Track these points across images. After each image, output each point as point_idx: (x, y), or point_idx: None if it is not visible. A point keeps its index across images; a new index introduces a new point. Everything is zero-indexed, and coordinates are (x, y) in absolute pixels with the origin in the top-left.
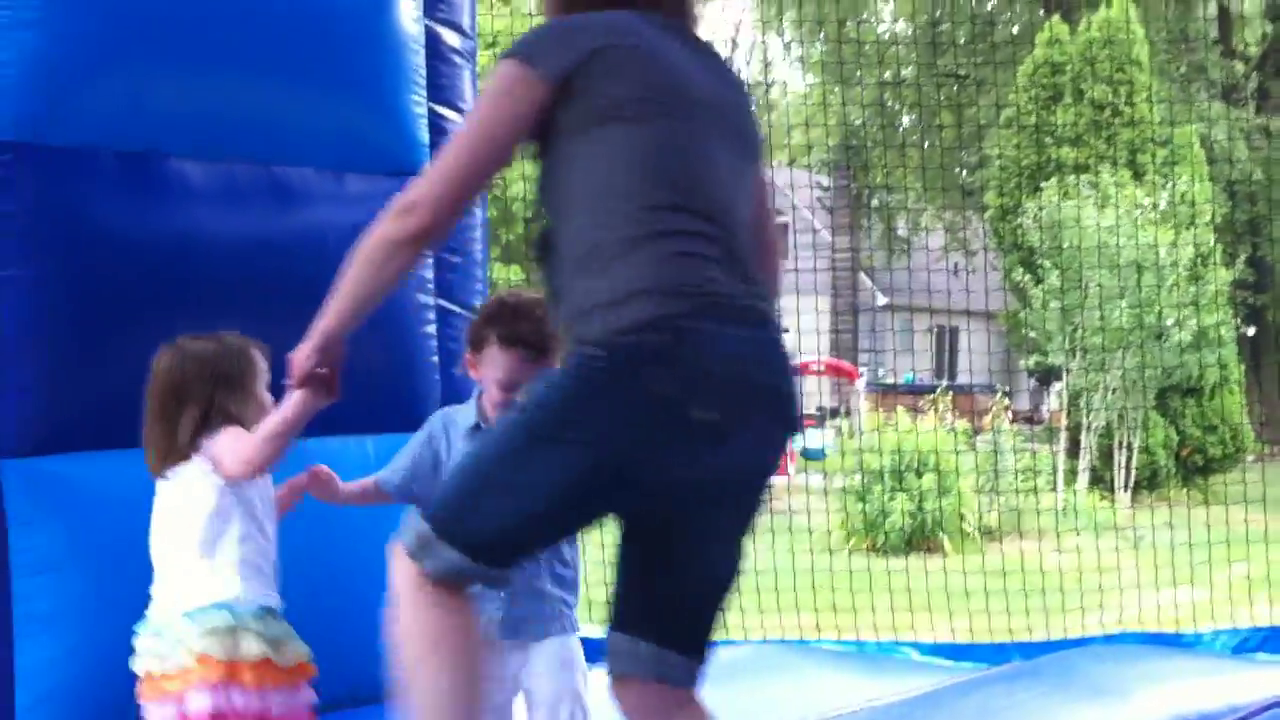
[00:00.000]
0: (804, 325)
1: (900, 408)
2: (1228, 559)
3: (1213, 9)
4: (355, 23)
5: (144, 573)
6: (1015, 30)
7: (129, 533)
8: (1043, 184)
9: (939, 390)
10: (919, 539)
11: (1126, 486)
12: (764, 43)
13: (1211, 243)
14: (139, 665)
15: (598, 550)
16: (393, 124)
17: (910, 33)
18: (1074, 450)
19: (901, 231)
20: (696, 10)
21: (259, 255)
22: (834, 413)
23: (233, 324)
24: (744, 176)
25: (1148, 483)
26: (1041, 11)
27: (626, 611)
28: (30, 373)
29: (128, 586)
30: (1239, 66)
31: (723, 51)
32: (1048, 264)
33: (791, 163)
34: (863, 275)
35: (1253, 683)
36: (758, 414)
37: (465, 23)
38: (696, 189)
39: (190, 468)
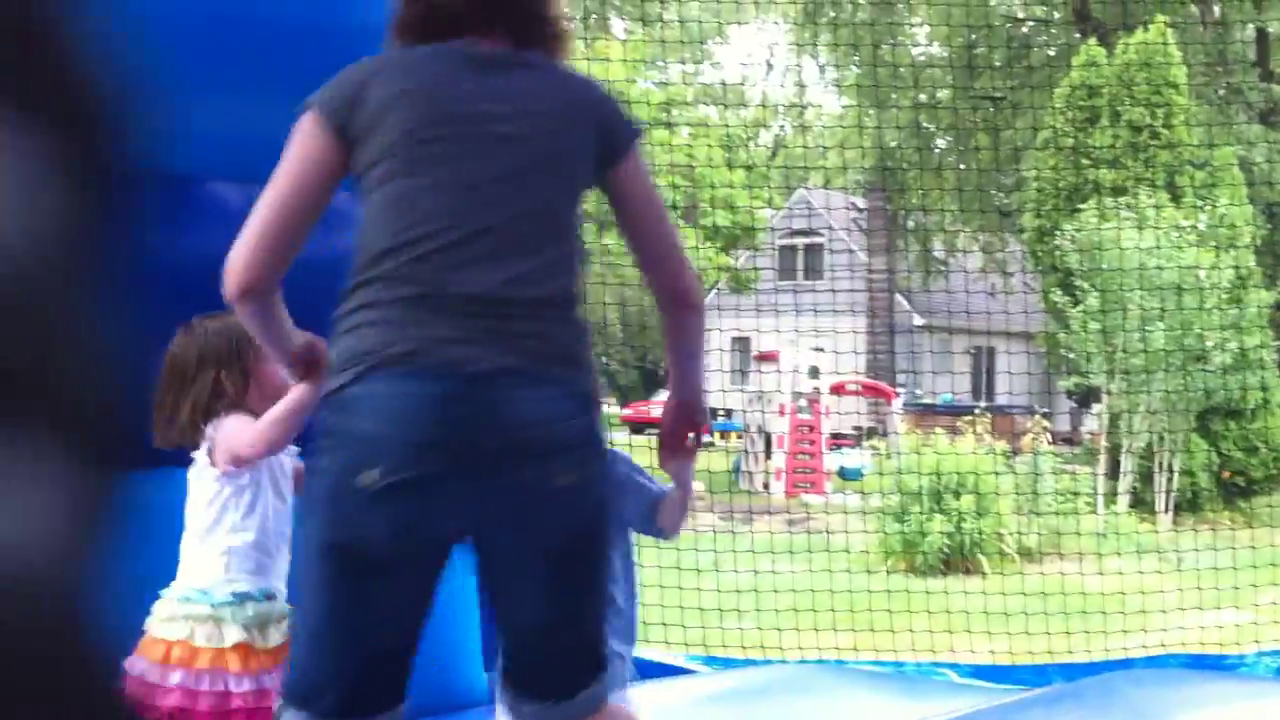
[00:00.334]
0: (841, 345)
1: (938, 428)
2: (1271, 580)
3: (1250, 31)
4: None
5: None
6: (1051, 52)
7: (164, 553)
8: (1080, 206)
9: (977, 411)
10: (957, 559)
11: (1167, 508)
12: (799, 65)
13: (1251, 264)
14: (147, 623)
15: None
16: None
17: (945, 55)
18: (1114, 471)
19: (938, 253)
20: (546, 29)
21: (297, 277)
22: (871, 433)
23: None
24: (550, 208)
25: (1189, 504)
26: (1078, 34)
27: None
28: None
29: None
30: (1277, 89)
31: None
32: (1086, 285)
33: (827, 184)
34: (899, 296)
35: None
36: (436, 463)
37: None
38: (422, 229)
39: (200, 454)
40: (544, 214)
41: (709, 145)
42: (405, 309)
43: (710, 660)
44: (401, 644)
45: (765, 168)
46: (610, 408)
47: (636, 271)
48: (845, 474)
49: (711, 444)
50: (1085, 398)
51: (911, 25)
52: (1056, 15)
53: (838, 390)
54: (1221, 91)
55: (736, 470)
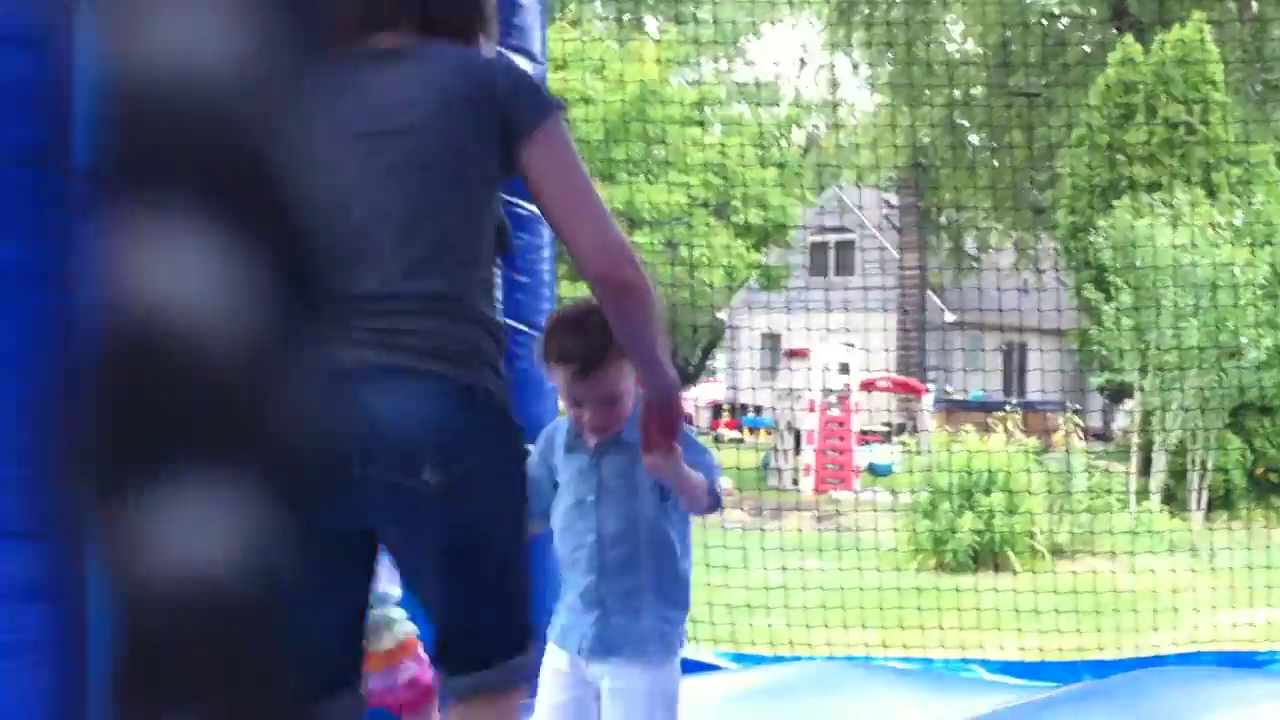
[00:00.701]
0: (871, 342)
1: (968, 425)
2: None
3: None
4: None
5: None
6: (1087, 49)
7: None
8: (1115, 202)
9: (1008, 407)
10: (987, 556)
11: (1200, 505)
12: (832, 63)
13: None
14: None
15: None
16: None
17: (980, 52)
18: (1146, 468)
19: (970, 249)
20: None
21: None
22: (901, 429)
23: None
24: (431, 205)
25: (1222, 502)
26: (1114, 30)
27: None
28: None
29: None
30: None
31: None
32: (1119, 281)
33: (859, 181)
34: (930, 292)
35: None
36: (338, 461)
37: (536, 48)
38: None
39: None
40: (421, 212)
41: (741, 143)
42: None
43: (739, 657)
44: (335, 624)
45: (798, 165)
46: None
47: (666, 269)
48: (875, 470)
49: (741, 440)
50: (1117, 394)
51: (946, 22)
52: (1093, 11)
53: (868, 387)
54: (1259, 88)
55: (766, 466)
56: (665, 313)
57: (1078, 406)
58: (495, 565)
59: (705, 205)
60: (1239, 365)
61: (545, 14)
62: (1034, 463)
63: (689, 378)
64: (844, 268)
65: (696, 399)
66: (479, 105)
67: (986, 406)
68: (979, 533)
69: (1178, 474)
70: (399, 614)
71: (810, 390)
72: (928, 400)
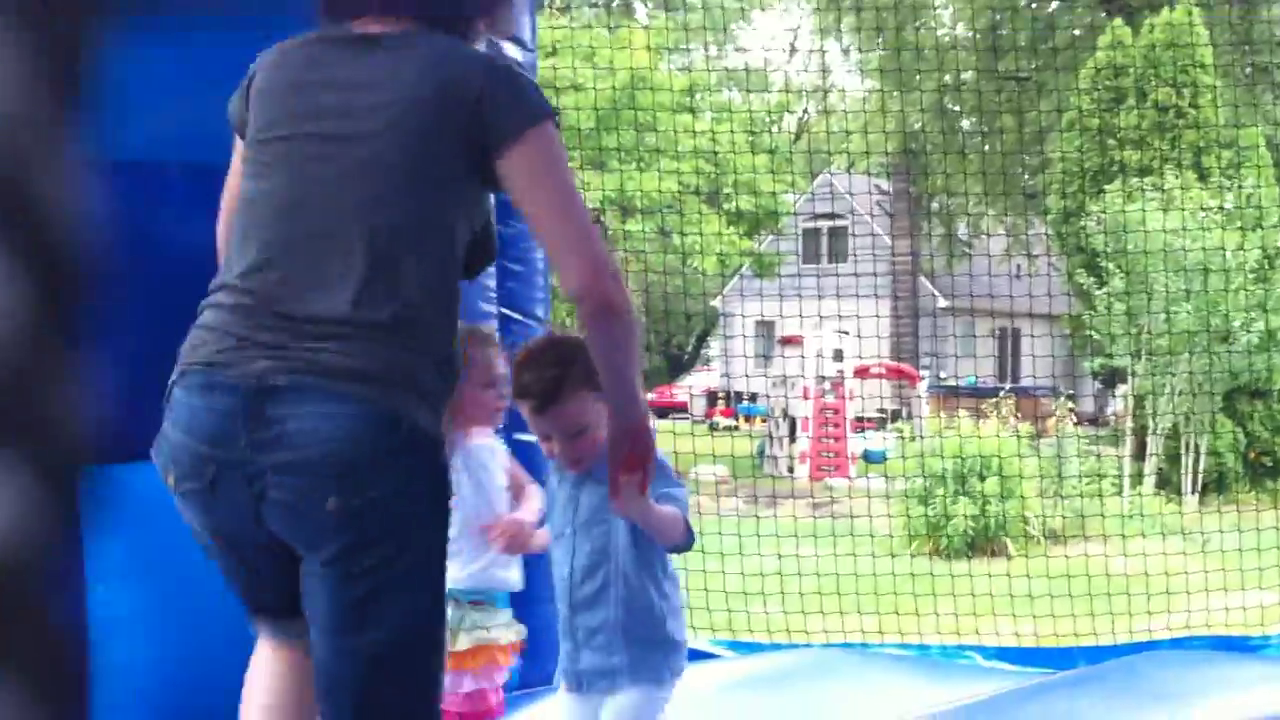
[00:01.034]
0: (864, 329)
1: (962, 411)
2: None
3: (1278, 11)
4: None
5: (216, 578)
6: (1077, 33)
7: None
8: (1106, 186)
9: (1002, 393)
10: (982, 542)
11: (1194, 489)
12: (823, 49)
13: (1278, 244)
14: None
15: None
16: None
17: (970, 36)
18: (1140, 453)
19: (962, 235)
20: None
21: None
22: (895, 416)
23: None
24: (388, 217)
25: (1215, 485)
26: (1103, 14)
27: None
28: (103, 385)
29: (200, 592)
30: None
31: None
32: (1111, 266)
33: (851, 167)
34: (923, 278)
35: None
36: (218, 478)
37: (525, 36)
38: (252, 241)
39: None
40: (374, 228)
41: (732, 130)
42: (234, 317)
43: (735, 645)
44: (282, 605)
45: (789, 151)
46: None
47: (658, 257)
48: (870, 457)
49: (736, 428)
50: (1110, 379)
51: (935, 6)
52: None
53: (862, 373)
54: (1248, 71)
55: (761, 454)
56: (658, 302)
57: (1071, 391)
58: (388, 626)
59: (697, 193)
60: (1231, 349)
61: (534, 1)
62: (1028, 448)
63: (683, 366)
64: (837, 254)
65: (691, 387)
66: (447, 109)
67: (980, 392)
68: (974, 519)
69: (1171, 458)
70: (477, 617)
71: (805, 377)
72: (922, 386)
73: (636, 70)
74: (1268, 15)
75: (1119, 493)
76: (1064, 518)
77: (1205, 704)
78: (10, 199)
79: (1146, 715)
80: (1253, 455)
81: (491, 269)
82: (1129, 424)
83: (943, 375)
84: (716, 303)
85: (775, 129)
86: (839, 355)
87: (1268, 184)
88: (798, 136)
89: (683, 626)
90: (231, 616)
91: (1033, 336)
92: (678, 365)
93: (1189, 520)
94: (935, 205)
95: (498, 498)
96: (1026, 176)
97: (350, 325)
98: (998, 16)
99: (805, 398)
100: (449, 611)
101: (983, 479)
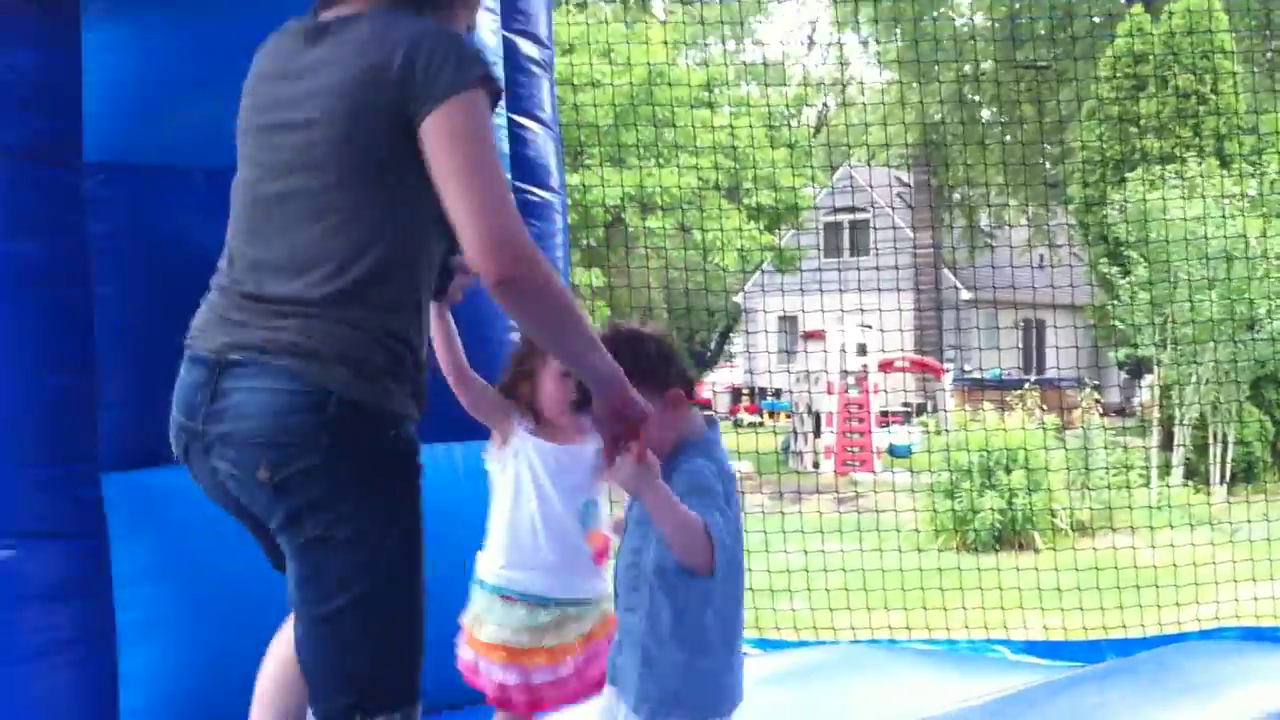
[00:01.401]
0: (888, 322)
1: (987, 403)
2: None
3: None
4: None
5: (239, 580)
6: (1096, 20)
7: (224, 542)
8: (1128, 175)
9: (1027, 385)
10: (1009, 535)
11: (1222, 479)
12: (841, 41)
13: None
14: None
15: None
16: None
17: (988, 25)
18: (1167, 443)
19: (984, 226)
20: None
21: None
22: (920, 409)
23: None
24: (328, 199)
25: (1244, 474)
26: (1123, 1)
27: None
28: (126, 388)
29: (224, 594)
30: None
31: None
32: (1135, 255)
33: (871, 160)
34: (946, 271)
35: None
36: (189, 447)
37: (542, 33)
38: (235, 230)
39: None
40: (319, 209)
41: (751, 124)
42: (218, 297)
43: (761, 642)
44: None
45: (808, 145)
46: None
47: (679, 253)
48: (895, 451)
49: (761, 424)
50: (1136, 369)
51: None
52: None
53: (886, 367)
54: (1269, 56)
55: (786, 449)
56: (680, 297)
57: (1096, 382)
58: (338, 596)
59: (717, 188)
60: (1256, 337)
61: None
62: (1054, 440)
63: (706, 363)
64: (858, 248)
65: (715, 383)
66: (372, 87)
67: (1005, 385)
68: (1000, 512)
69: (1199, 448)
70: (501, 614)
71: (828, 372)
72: (946, 380)
73: (654, 66)
74: None
75: (1146, 484)
76: (1091, 509)
77: (1236, 695)
78: None
79: (1177, 707)
80: None
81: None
82: (1155, 414)
83: (967, 368)
84: (738, 298)
85: (794, 123)
86: (862, 349)
87: None
88: (817, 130)
89: (707, 695)
90: (257, 618)
91: (1056, 327)
92: (701, 362)
93: (1217, 510)
94: (956, 196)
95: (531, 498)
96: (1048, 166)
97: (298, 303)
98: (1016, 5)
99: (829, 392)
100: (481, 599)
101: (1009, 472)
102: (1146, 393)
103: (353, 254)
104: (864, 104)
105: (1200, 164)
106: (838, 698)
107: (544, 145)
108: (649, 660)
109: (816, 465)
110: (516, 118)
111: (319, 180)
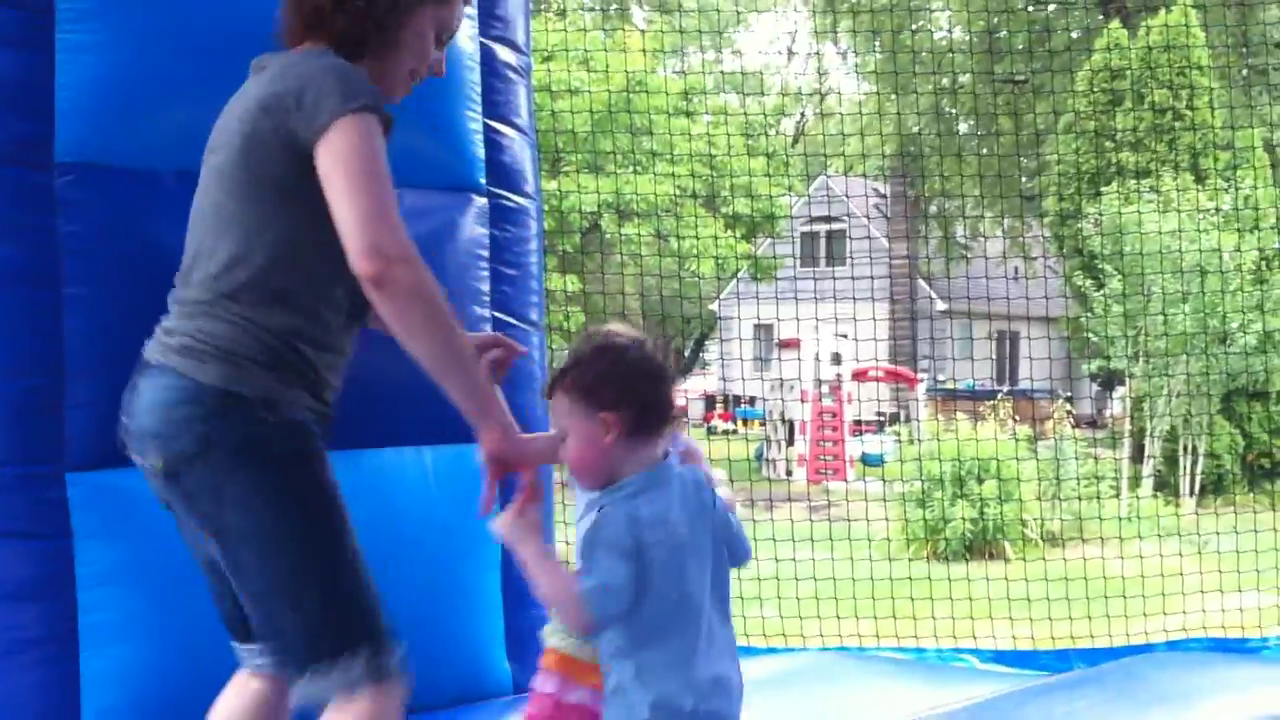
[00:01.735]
0: (863, 332)
1: (961, 413)
2: None
3: (1275, 12)
4: None
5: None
6: (1074, 35)
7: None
8: (1103, 189)
9: (1000, 396)
10: (980, 545)
11: (1192, 491)
12: (820, 52)
13: (1276, 246)
14: None
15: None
16: (449, 140)
17: (967, 39)
18: (1138, 455)
19: (960, 237)
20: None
21: None
22: (894, 419)
23: None
24: (221, 214)
25: (1214, 487)
26: (1100, 16)
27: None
28: (94, 388)
29: (191, 596)
30: None
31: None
32: (1109, 268)
33: (848, 171)
34: (921, 281)
35: None
36: (125, 444)
37: (520, 39)
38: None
39: None
40: (218, 225)
41: (729, 133)
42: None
43: None
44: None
45: (786, 155)
46: None
47: (656, 260)
48: (868, 460)
49: (735, 431)
50: (1109, 381)
51: (932, 9)
52: None
53: (860, 376)
54: (1245, 73)
55: (759, 457)
56: (655, 305)
57: (1069, 394)
58: (257, 562)
59: (694, 196)
60: (1229, 351)
61: (529, 5)
62: (1026, 451)
63: (681, 370)
64: (835, 257)
65: (689, 391)
66: (270, 116)
67: (978, 395)
68: (972, 521)
69: (1169, 460)
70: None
71: (803, 381)
72: (920, 389)
73: (633, 74)
74: (1264, 17)
75: (1117, 495)
76: (1062, 520)
77: (1204, 705)
78: None
79: (1145, 718)
80: (1251, 457)
81: (486, 272)
82: (1127, 426)
83: (941, 378)
84: (714, 306)
85: (773, 132)
86: (837, 358)
87: (1265, 185)
88: (795, 140)
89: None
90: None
91: (1031, 339)
92: (676, 369)
93: (1187, 522)
94: (933, 208)
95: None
96: (1024, 179)
97: (196, 303)
98: (995, 19)
99: (803, 401)
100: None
101: (981, 482)
102: (1118, 405)
103: (237, 258)
104: (842, 115)
105: (1175, 179)
106: (807, 705)
107: (520, 151)
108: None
109: (789, 473)
110: (493, 123)
111: (222, 196)
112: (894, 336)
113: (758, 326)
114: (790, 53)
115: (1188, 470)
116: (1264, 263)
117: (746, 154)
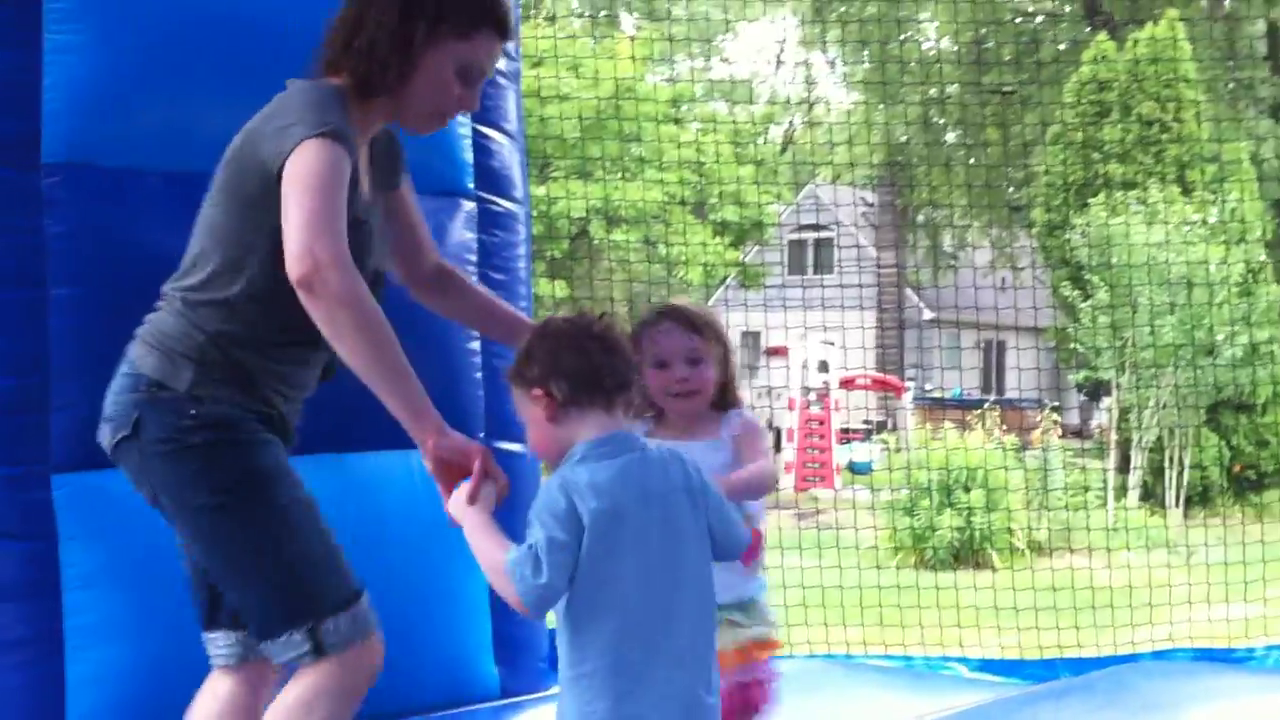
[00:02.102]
0: (850, 340)
1: (948, 422)
2: None
3: (1261, 26)
4: None
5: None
6: (1062, 47)
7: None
8: (1091, 200)
9: (987, 405)
10: (967, 554)
11: (1178, 502)
12: (809, 61)
13: (1262, 258)
14: None
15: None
16: (438, 145)
17: (955, 50)
18: (1124, 465)
19: (948, 247)
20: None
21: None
22: (880, 427)
23: None
24: (205, 223)
25: (1199, 498)
26: (1088, 28)
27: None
28: (78, 389)
29: (175, 598)
30: None
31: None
32: (1096, 279)
33: (836, 179)
34: (909, 290)
35: None
36: None
37: (510, 45)
38: None
39: None
40: (199, 234)
41: (718, 141)
42: None
43: None
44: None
45: (775, 163)
46: None
47: (644, 267)
48: (855, 468)
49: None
50: (1095, 391)
51: (920, 20)
52: (1067, 9)
53: (847, 385)
54: (1231, 86)
55: None
56: (640, 311)
57: (1056, 404)
58: (196, 545)
59: (683, 203)
60: (1215, 363)
61: (519, 10)
62: (1013, 460)
63: None
64: (822, 266)
65: None
66: (255, 139)
67: (965, 404)
68: (959, 530)
69: (1155, 471)
70: (739, 616)
71: (790, 388)
72: (907, 398)
73: (622, 80)
74: (1251, 30)
75: (1103, 505)
76: (1049, 529)
77: (1191, 714)
78: None
79: None
80: (1236, 468)
81: (474, 277)
82: (1113, 436)
83: (928, 387)
84: None
85: (761, 140)
86: (824, 366)
87: (1251, 198)
88: (784, 148)
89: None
90: None
91: (1018, 349)
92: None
93: (1173, 533)
94: (921, 217)
95: None
96: (1011, 189)
97: (162, 301)
98: (983, 31)
99: (790, 408)
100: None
101: (968, 490)
102: (1105, 415)
103: (197, 263)
104: (830, 124)
105: (1162, 190)
106: (794, 713)
107: (509, 156)
108: (561, 713)
109: (776, 481)
110: (481, 128)
111: (209, 206)
112: (881, 345)
113: (745, 334)
114: (779, 61)
115: (1173, 481)
116: (1250, 275)
117: (735, 161)
